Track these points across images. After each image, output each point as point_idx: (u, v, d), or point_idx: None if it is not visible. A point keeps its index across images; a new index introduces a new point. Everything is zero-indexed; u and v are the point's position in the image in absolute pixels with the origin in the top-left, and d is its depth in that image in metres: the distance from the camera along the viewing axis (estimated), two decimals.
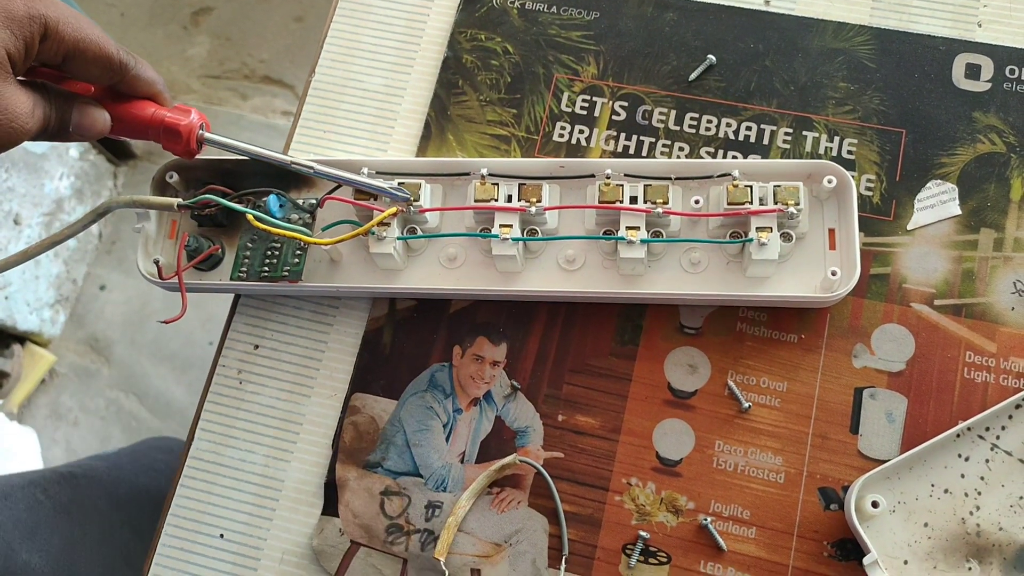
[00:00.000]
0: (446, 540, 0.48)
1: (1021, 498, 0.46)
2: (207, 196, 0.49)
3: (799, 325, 0.50)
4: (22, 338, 1.40)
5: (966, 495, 0.46)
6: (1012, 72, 0.53)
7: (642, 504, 0.48)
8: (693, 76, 0.55)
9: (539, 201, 0.49)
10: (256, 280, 0.51)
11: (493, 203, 0.49)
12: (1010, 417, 0.46)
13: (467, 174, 0.51)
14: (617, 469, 0.49)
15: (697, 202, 0.49)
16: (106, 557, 0.67)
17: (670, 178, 0.50)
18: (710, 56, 0.55)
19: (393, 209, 0.49)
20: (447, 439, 0.50)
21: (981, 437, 0.46)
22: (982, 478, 0.46)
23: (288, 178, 0.53)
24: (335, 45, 0.59)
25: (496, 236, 0.48)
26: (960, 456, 0.46)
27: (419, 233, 0.51)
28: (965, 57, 0.54)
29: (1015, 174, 0.51)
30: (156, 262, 0.50)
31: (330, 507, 0.50)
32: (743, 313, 0.51)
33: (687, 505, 0.48)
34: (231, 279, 0.51)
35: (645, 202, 0.48)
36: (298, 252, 0.51)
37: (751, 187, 0.48)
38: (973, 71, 0.53)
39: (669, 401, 0.50)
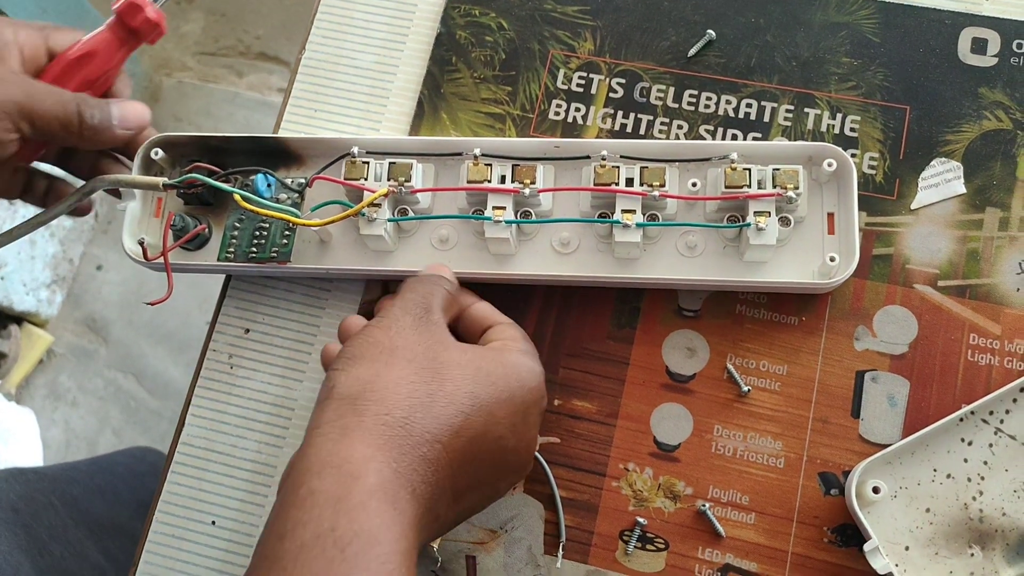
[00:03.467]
0: None
1: None
2: (193, 175, 0.47)
3: (800, 307, 0.49)
4: (19, 319, 1.39)
5: (969, 480, 0.45)
6: (1019, 47, 0.52)
7: (639, 490, 0.48)
8: (692, 52, 0.53)
9: (533, 183, 0.47)
10: (244, 261, 0.50)
11: (486, 184, 0.48)
12: (1014, 401, 0.45)
13: (459, 154, 0.50)
14: (614, 454, 0.48)
15: (694, 184, 0.47)
16: (56, 558, 0.66)
17: (668, 160, 0.48)
18: (710, 31, 0.53)
19: (384, 190, 0.47)
20: None
21: (985, 421, 0.45)
22: (985, 463, 0.45)
23: (276, 156, 0.51)
24: (326, 21, 0.58)
25: (489, 219, 0.47)
26: (963, 440, 0.45)
27: (410, 214, 0.49)
28: (971, 31, 0.52)
29: (1021, 152, 0.50)
30: (141, 242, 0.49)
31: None
32: (743, 296, 0.50)
33: (685, 491, 0.47)
34: (218, 260, 0.50)
35: (641, 184, 0.47)
36: (287, 233, 0.50)
37: (749, 170, 0.46)
38: (979, 46, 0.52)
39: (667, 385, 0.49)
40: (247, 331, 0.53)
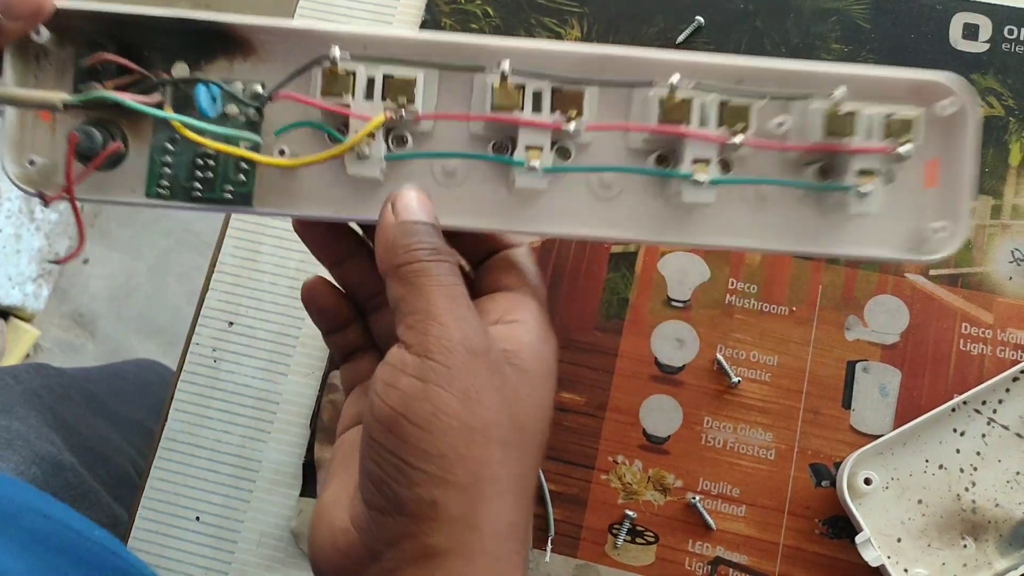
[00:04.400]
0: None
1: (1018, 473, 0.44)
2: (105, 95, 0.33)
3: (791, 297, 0.49)
4: (5, 313, 1.38)
5: (961, 471, 0.45)
6: (1011, 32, 0.51)
7: (629, 483, 0.47)
8: (681, 38, 0.53)
9: (580, 115, 0.35)
10: (185, 200, 0.36)
11: (517, 115, 0.35)
12: (1007, 390, 0.45)
13: (481, 69, 0.36)
14: (603, 447, 0.48)
15: (781, 125, 0.35)
16: (84, 438, 0.66)
17: (758, 95, 0.35)
18: (698, 17, 0.53)
19: (380, 118, 0.34)
20: None
21: (977, 411, 0.45)
22: (978, 453, 0.45)
23: (214, 43, 0.36)
24: (307, 9, 0.57)
25: (521, 163, 0.35)
26: (955, 431, 0.45)
27: (409, 143, 0.36)
28: (963, 17, 0.52)
29: (1013, 139, 0.50)
30: (31, 163, 0.36)
31: (309, 488, 0.49)
32: (732, 285, 0.49)
33: (675, 483, 0.47)
34: (148, 195, 0.36)
35: (720, 125, 0.34)
36: (244, 166, 0.36)
37: (854, 114, 0.34)
38: (971, 31, 0.51)
39: (656, 377, 0.48)
40: (231, 324, 0.52)
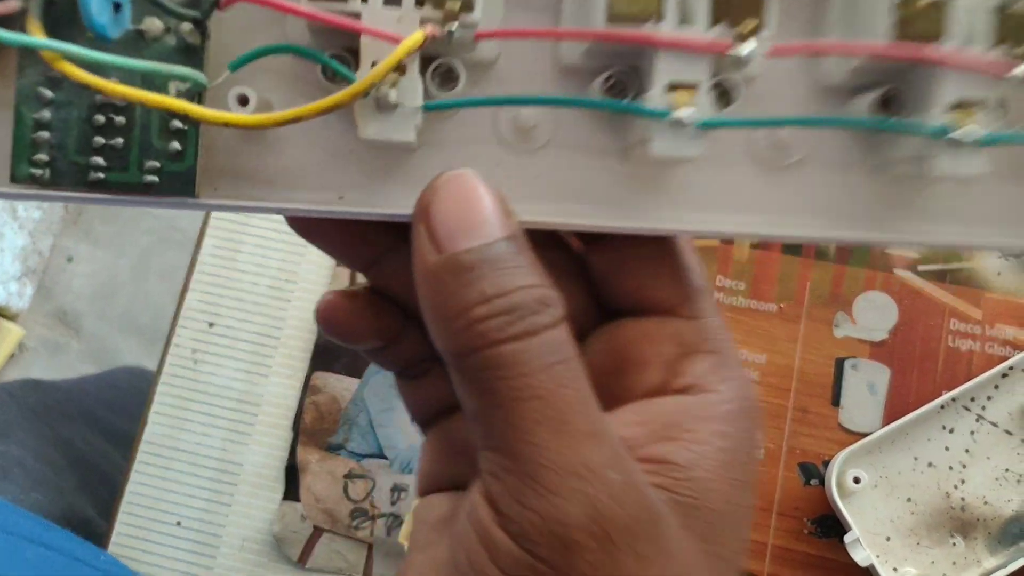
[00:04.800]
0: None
1: (1007, 470, 0.44)
2: None
3: (779, 294, 0.48)
4: None
5: (950, 468, 0.44)
6: None
7: None
8: None
9: (758, 29, 0.19)
10: (79, 187, 0.21)
11: (653, 30, 0.20)
12: (996, 387, 0.45)
13: None
14: None
15: None
16: (83, 454, 0.65)
17: None
18: None
19: (418, 36, 0.19)
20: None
21: (966, 408, 0.45)
22: (967, 450, 0.44)
23: None
24: None
25: (663, 114, 0.19)
26: (944, 428, 0.45)
27: (462, 81, 0.22)
28: None
29: None
30: None
31: (291, 491, 0.48)
32: (720, 282, 0.49)
33: None
34: (15, 178, 0.20)
35: (999, 44, 0.19)
36: (177, 127, 0.21)
37: None
38: None
39: None
40: (211, 325, 0.51)
